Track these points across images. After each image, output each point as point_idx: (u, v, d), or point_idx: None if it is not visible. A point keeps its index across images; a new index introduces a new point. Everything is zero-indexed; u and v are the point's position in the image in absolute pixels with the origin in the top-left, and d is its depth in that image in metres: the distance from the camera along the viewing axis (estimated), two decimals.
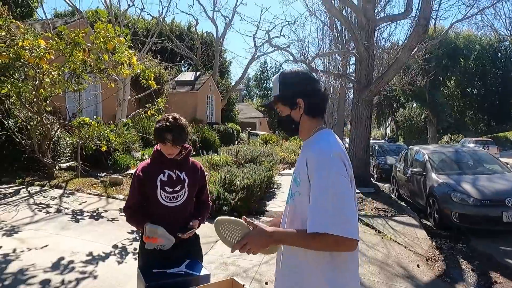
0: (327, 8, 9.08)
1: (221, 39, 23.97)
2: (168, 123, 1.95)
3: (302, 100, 1.38)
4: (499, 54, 35.35)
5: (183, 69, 29.77)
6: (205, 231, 5.27)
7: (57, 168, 7.14)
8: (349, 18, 10.17)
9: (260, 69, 46.29)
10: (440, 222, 6.02)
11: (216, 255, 4.22)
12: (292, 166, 14.58)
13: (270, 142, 17.93)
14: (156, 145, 2.16)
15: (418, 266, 4.33)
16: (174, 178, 2.06)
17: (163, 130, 1.94)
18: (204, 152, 9.23)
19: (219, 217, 1.36)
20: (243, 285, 1.73)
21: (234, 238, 1.34)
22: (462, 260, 4.75)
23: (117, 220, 4.95)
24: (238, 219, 1.36)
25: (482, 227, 5.57)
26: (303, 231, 1.25)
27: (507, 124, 33.17)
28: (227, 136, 18.51)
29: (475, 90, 36.43)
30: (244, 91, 56.36)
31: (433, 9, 10.08)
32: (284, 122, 1.45)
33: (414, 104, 42.81)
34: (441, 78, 35.27)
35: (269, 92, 46.82)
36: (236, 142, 19.29)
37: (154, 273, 1.89)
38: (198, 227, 2.13)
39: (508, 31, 40.57)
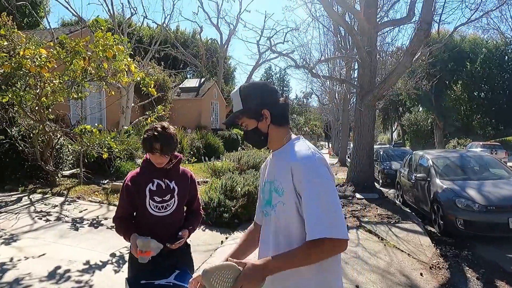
0: (329, 14, 9.08)
1: (226, 46, 24.15)
2: (156, 133, 1.93)
3: (267, 111, 1.38)
4: (506, 57, 34.96)
5: (188, 76, 29.97)
6: (205, 238, 5.26)
7: (59, 175, 7.18)
8: (351, 24, 10.14)
9: (265, 74, 46.40)
10: (445, 229, 5.90)
11: (216, 263, 4.16)
12: None
13: None
14: (146, 154, 2.14)
15: (421, 274, 4.24)
16: (163, 187, 2.03)
17: (151, 140, 1.92)
18: (207, 158, 9.22)
19: (206, 268, 1.21)
20: None
21: (227, 285, 1.20)
22: (467, 268, 4.64)
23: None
24: (226, 262, 1.23)
25: (488, 234, 5.44)
26: (298, 247, 1.23)
27: None
28: (231, 142, 18.52)
29: (482, 93, 36.00)
30: None
31: (436, 13, 10.02)
32: (252, 135, 1.43)
33: (420, 109, 42.49)
34: (447, 82, 34.99)
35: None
36: (240, 148, 19.30)
37: (141, 285, 1.85)
38: (188, 237, 2.09)
39: None
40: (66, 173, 7.55)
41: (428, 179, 6.82)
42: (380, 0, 10.62)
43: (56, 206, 5.70)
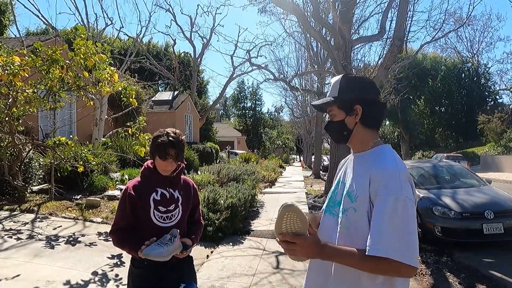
0: (306, 29, 9.33)
1: (199, 59, 24.11)
2: (171, 138, 1.86)
3: (360, 107, 1.31)
4: (463, 74, 37.47)
5: (160, 89, 29.53)
6: (191, 253, 5.08)
7: (28, 191, 6.74)
8: (326, 39, 10.48)
9: (238, 88, 46.63)
10: (424, 237, 6.08)
11: (203, 278, 4.03)
12: (273, 185, 14.54)
13: (253, 161, 17.84)
14: (147, 162, 2.05)
15: None
16: (168, 197, 1.94)
17: (167, 146, 1.84)
18: (185, 171, 9.03)
19: (294, 204, 1.23)
20: None
21: (287, 229, 1.21)
22: (448, 273, 4.78)
23: (96, 245, 4.67)
24: (306, 217, 1.24)
25: (464, 240, 5.66)
26: (360, 252, 1.17)
27: (474, 140, 34.83)
28: (206, 155, 18.32)
29: (443, 108, 38.20)
30: (222, 111, 56.50)
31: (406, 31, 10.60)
32: (336, 128, 1.37)
33: (387, 122, 44.32)
34: (411, 97, 36.82)
35: (247, 111, 47.13)
36: (217, 161, 19.10)
37: None
38: (193, 245, 2.00)
39: (470, 53, 43.36)
40: (35, 188, 7.09)
41: None
42: (352, 17, 11.08)
43: (27, 223, 5.32)
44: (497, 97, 38.77)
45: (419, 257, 5.38)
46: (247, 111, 46.21)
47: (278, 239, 1.24)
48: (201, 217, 2.27)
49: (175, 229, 1.86)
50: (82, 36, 4.70)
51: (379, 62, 9.37)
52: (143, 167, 2.03)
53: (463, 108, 36.52)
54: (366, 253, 1.14)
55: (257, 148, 40.98)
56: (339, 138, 1.39)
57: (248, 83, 51.45)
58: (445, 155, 23.77)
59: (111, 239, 1.95)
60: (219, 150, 23.32)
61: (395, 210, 1.14)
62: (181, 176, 2.09)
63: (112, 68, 4.79)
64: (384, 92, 19.45)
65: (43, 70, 4.84)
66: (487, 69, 39.17)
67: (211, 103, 28.23)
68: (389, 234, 1.13)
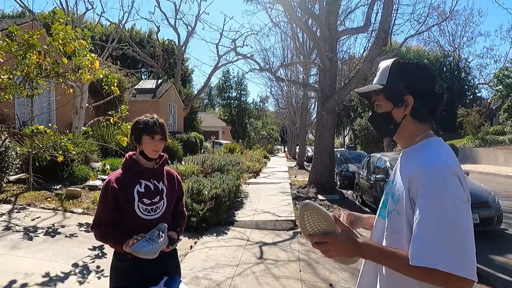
0: (292, 19, 9.27)
1: (184, 47, 23.64)
2: (152, 118, 1.89)
3: (412, 98, 1.15)
4: (445, 68, 38.26)
5: (143, 77, 28.93)
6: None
7: (5, 181, 6.52)
8: (312, 30, 10.44)
9: (223, 78, 46.19)
10: None
11: (187, 269, 4.02)
12: (257, 175, 14.58)
13: (236, 151, 17.81)
14: (129, 153, 1.99)
15: None
16: (152, 189, 1.90)
17: (153, 123, 1.87)
18: (169, 162, 8.93)
19: (310, 202, 1.17)
20: None
21: (314, 230, 1.15)
22: None
23: (76, 236, 4.57)
24: (327, 213, 1.15)
25: None
26: (404, 257, 1.02)
27: (454, 133, 35.79)
28: (191, 145, 18.14)
29: None
30: (206, 100, 55.95)
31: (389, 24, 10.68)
32: (380, 120, 1.22)
33: (371, 114, 44.92)
34: None
35: (232, 101, 46.79)
36: (201, 151, 18.97)
37: None
38: (179, 239, 1.98)
39: (452, 47, 44.22)
40: (12, 178, 6.87)
41: (387, 179, 7.17)
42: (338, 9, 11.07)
43: (3, 214, 5.15)
44: (476, 91, 39.87)
45: None
46: (232, 101, 45.91)
47: (311, 243, 1.16)
48: (185, 208, 2.25)
49: (163, 224, 1.83)
50: (61, 20, 4.50)
51: (364, 54, 9.42)
52: (124, 159, 1.98)
53: (444, 101, 37.38)
54: (409, 263, 1.00)
55: (242, 138, 40.90)
56: (385, 132, 1.27)
57: (233, 73, 51.05)
58: None
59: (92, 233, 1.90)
60: (204, 140, 23.16)
61: (437, 213, 0.99)
62: (165, 167, 2.06)
63: (93, 55, 4.62)
64: (367, 84, 19.71)
65: (19, 56, 4.62)
66: (467, 64, 40.13)
67: (196, 92, 27.87)
68: (435, 241, 0.97)
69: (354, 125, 47.98)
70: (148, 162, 1.92)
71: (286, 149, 47.56)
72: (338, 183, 13.19)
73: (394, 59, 1.23)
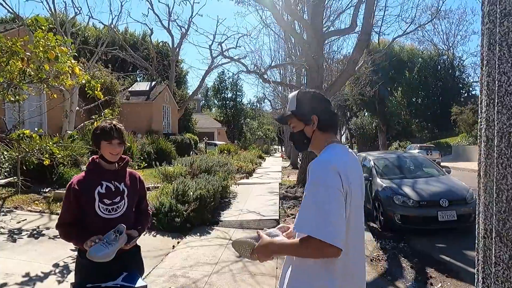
0: (278, 22, 9.41)
1: (177, 49, 23.75)
2: (109, 124, 2.03)
3: (316, 117, 1.48)
4: (439, 66, 38.48)
5: (138, 79, 29.01)
6: (156, 244, 5.19)
7: None
8: (300, 32, 10.59)
9: (218, 79, 46.28)
10: (385, 224, 6.38)
11: (166, 268, 4.15)
12: (250, 176, 14.70)
13: (225, 152, 17.91)
14: (92, 157, 2.13)
15: None
16: (113, 190, 2.03)
17: (109, 128, 2.00)
18: (158, 163, 9.04)
19: (233, 241, 1.59)
20: None
21: (248, 252, 1.53)
22: (403, 258, 5.07)
23: (59, 238, 4.68)
24: (244, 240, 1.54)
25: (421, 227, 6.00)
26: (295, 243, 1.34)
27: (448, 131, 36.02)
28: (184, 147, 18.26)
29: (419, 100, 39.21)
30: (203, 101, 56.00)
31: (377, 26, 10.83)
32: (297, 137, 1.55)
33: (366, 113, 45.15)
34: (388, 89, 37.60)
35: (227, 102, 46.94)
36: (192, 152, 19.08)
37: None
38: (138, 236, 2.11)
39: (446, 46, 44.46)
40: (1, 182, 6.98)
41: (370, 178, 7.32)
42: (327, 10, 11.22)
43: None
44: (470, 89, 40.10)
45: (378, 243, 5.67)
46: (227, 101, 46.00)
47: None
48: (149, 207, 2.38)
49: (121, 225, 1.95)
50: (43, 28, 4.63)
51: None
52: (88, 162, 2.11)
53: (439, 100, 37.63)
54: (292, 231, 1.33)
55: (238, 139, 41.00)
56: (301, 146, 1.57)
57: (228, 74, 51.11)
58: (418, 145, 24.52)
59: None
60: (198, 141, 23.27)
61: (314, 195, 1.29)
62: (127, 169, 2.19)
63: (73, 61, 4.74)
64: (360, 84, 19.85)
65: (2, 62, 4.75)
66: (461, 62, 40.39)
67: (190, 93, 27.98)
68: (307, 215, 1.29)
69: (350, 124, 48.24)
70: (109, 165, 2.05)
71: (283, 149, 47.70)
72: None
73: (297, 91, 1.59)
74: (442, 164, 20.53)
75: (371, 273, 4.41)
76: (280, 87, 26.93)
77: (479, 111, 0.89)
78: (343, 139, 61.54)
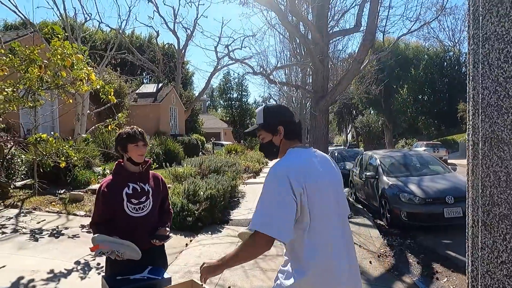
0: (283, 24, 9.54)
1: (183, 51, 23.99)
2: (131, 129, 2.22)
3: (282, 127, 1.64)
4: (445, 63, 38.28)
5: (144, 81, 29.34)
6: (170, 242, 5.35)
7: (12, 186, 6.88)
8: (305, 33, 10.73)
9: (224, 79, 46.55)
10: (392, 221, 6.51)
11: (181, 264, 4.33)
12: (257, 175, 14.86)
13: (233, 152, 18.09)
14: (118, 161, 2.31)
15: (370, 262, 4.70)
16: (139, 190, 2.22)
17: (134, 132, 2.19)
18: (168, 164, 9.26)
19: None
20: (202, 284, 1.92)
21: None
22: (409, 254, 5.20)
23: (79, 237, 4.91)
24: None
25: (427, 223, 6.11)
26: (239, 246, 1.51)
27: (455, 127, 35.82)
28: (192, 147, 18.48)
29: (426, 97, 39.04)
30: (208, 102, 56.30)
31: (381, 25, 10.91)
32: (267, 147, 1.70)
33: (372, 111, 45.04)
34: (394, 86, 37.49)
35: (233, 102, 47.21)
36: (201, 153, 19.29)
37: (117, 280, 2.02)
38: (169, 233, 2.32)
39: (452, 42, 44.15)
40: (19, 184, 7.23)
41: (377, 176, 7.45)
42: (331, 10, 11.32)
43: (11, 218, 5.51)
44: None
45: (385, 240, 5.80)
46: (233, 102, 46.25)
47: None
48: (170, 207, 2.56)
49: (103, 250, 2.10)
50: (59, 36, 4.84)
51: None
52: (115, 166, 2.30)
53: (445, 96, 37.45)
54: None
55: (244, 139, 41.22)
56: (271, 155, 1.71)
57: (234, 74, 51.33)
58: (425, 142, 24.47)
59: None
60: (205, 142, 23.49)
61: (264, 196, 1.46)
62: (150, 171, 2.38)
63: (89, 68, 4.95)
64: (365, 82, 19.91)
65: (21, 70, 4.97)
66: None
67: (197, 94, 28.23)
68: (257, 213, 1.45)
69: (356, 122, 48.17)
70: (134, 167, 2.24)
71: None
72: None
73: (263, 106, 1.75)
74: (449, 161, 20.50)
75: (379, 269, 4.54)
76: (285, 87, 27.06)
77: (467, 119, 1.03)
78: (349, 137, 61.42)
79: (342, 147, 45.62)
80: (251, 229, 1.45)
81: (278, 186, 1.44)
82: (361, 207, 8.24)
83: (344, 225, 1.63)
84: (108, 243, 2.04)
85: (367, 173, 7.82)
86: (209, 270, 1.61)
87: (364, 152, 9.68)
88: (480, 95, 0.94)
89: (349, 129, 58.04)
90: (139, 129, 2.25)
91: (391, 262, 4.85)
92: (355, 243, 5.42)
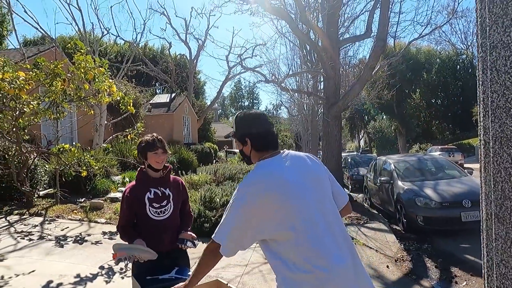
0: (294, 33, 9.71)
1: (195, 61, 24.42)
2: (151, 137, 2.34)
3: (249, 139, 1.65)
4: (458, 66, 37.80)
5: (157, 91, 29.90)
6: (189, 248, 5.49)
7: (35, 196, 7.14)
8: (315, 40, 10.85)
9: (235, 88, 47.05)
10: (408, 226, 6.49)
11: None
12: None
13: None
14: (140, 167, 2.45)
15: (387, 266, 4.72)
16: (160, 195, 2.34)
17: (153, 140, 2.31)
18: (183, 172, 9.43)
19: None
20: (227, 283, 2.02)
21: None
22: (427, 259, 5.19)
23: (101, 243, 5.07)
24: None
25: (444, 227, 6.08)
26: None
27: (470, 131, 35.18)
28: (205, 156, 18.68)
29: (439, 101, 38.55)
30: (220, 110, 56.82)
31: (392, 30, 10.96)
32: (241, 154, 1.78)
33: (384, 116, 44.66)
34: (406, 91, 37.17)
35: (244, 110, 47.64)
36: (214, 161, 19.47)
37: (148, 280, 2.15)
38: (194, 239, 2.42)
39: (464, 45, 43.64)
40: (42, 193, 7.50)
41: (391, 181, 7.44)
42: (341, 17, 11.45)
43: (37, 225, 5.73)
44: None
45: (402, 245, 5.79)
46: (245, 109, 46.61)
47: None
48: (190, 210, 2.67)
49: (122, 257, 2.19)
50: (82, 51, 5.09)
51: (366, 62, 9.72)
52: (137, 172, 2.44)
53: (459, 100, 36.90)
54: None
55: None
56: (246, 161, 1.76)
57: (245, 83, 51.79)
58: (439, 147, 24.15)
59: (117, 234, 2.38)
60: (218, 150, 23.70)
61: (228, 208, 1.51)
62: (170, 175, 2.50)
63: (110, 80, 5.18)
64: (376, 88, 19.86)
65: (46, 84, 5.23)
66: None
67: (208, 103, 28.60)
68: (219, 225, 1.53)
69: (368, 128, 47.80)
70: (155, 173, 2.37)
71: None
72: (350, 186, 13.42)
73: (236, 114, 1.77)
74: (465, 165, 20.15)
75: (396, 273, 4.55)
76: (296, 94, 27.16)
77: (478, 121, 1.12)
78: (362, 143, 60.89)
79: (355, 153, 45.28)
80: (213, 238, 1.53)
81: (241, 197, 1.48)
82: (376, 212, 8.22)
83: (334, 224, 1.50)
84: (123, 250, 2.15)
85: (382, 178, 7.82)
86: None
87: (378, 158, 9.68)
88: (489, 98, 1.03)
89: (362, 134, 57.58)
90: (159, 137, 2.36)
91: (409, 267, 4.85)
92: (371, 247, 5.46)
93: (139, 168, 2.44)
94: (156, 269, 2.26)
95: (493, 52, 1.01)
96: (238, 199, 1.48)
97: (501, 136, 0.99)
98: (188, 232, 2.40)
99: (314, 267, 1.36)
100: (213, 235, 1.52)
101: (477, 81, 1.13)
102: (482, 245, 1.13)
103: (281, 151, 1.65)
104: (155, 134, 2.38)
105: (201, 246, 5.31)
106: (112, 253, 2.16)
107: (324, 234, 1.43)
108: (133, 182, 2.40)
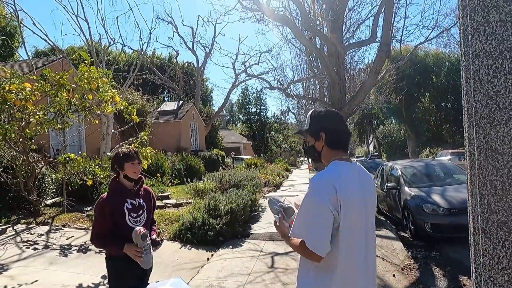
0: (298, 38, 9.72)
1: (202, 68, 24.65)
2: (127, 149, 2.47)
3: (324, 134, 1.66)
4: None
5: (165, 99, 30.20)
6: (192, 256, 5.48)
7: (42, 205, 7.22)
8: (320, 46, 10.85)
9: (242, 94, 47.20)
10: (415, 233, 6.36)
11: (203, 278, 4.41)
12: (277, 189, 14.87)
13: (253, 166, 18.20)
14: (113, 177, 2.50)
15: (394, 275, 4.62)
16: (136, 205, 2.45)
17: (130, 152, 2.44)
18: (189, 180, 9.45)
19: (269, 199, 1.92)
20: None
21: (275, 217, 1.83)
22: (435, 267, 5.07)
23: (104, 252, 5.09)
24: (273, 207, 1.84)
25: (453, 234, 5.93)
26: (297, 241, 1.57)
27: None
28: (212, 163, 18.73)
29: (449, 104, 38.03)
30: (228, 117, 57.06)
31: (397, 35, 10.89)
32: (310, 150, 1.75)
33: (393, 121, 44.23)
34: (415, 95, 36.80)
35: (252, 116, 47.79)
36: (221, 167, 19.50)
37: None
38: (161, 243, 2.64)
39: None
40: (49, 202, 7.59)
41: (398, 187, 7.32)
42: (346, 22, 11.43)
43: (42, 234, 5.78)
44: None
45: (409, 252, 5.67)
46: (252, 116, 46.68)
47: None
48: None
49: (146, 231, 2.33)
50: (86, 62, 5.17)
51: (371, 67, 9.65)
52: (110, 183, 2.52)
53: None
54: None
55: (264, 152, 41.33)
56: (313, 159, 1.77)
57: (252, 89, 51.98)
58: (450, 151, 23.77)
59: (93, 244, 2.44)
60: (225, 157, 23.74)
61: (304, 206, 1.53)
62: (142, 186, 2.58)
63: (113, 90, 5.24)
64: (384, 92, 19.72)
65: (51, 94, 5.32)
66: None
67: (216, 110, 28.75)
68: (302, 224, 1.53)
69: (377, 132, 47.40)
70: (130, 183, 2.46)
71: (309, 160, 47.37)
72: None
73: (312, 110, 1.79)
74: None
75: (402, 282, 4.45)
76: (303, 100, 27.13)
77: (464, 132, 1.09)
78: (371, 148, 60.36)
79: (363, 158, 44.88)
80: (298, 238, 1.53)
81: (321, 197, 1.48)
82: (383, 218, 8.09)
83: (368, 247, 1.63)
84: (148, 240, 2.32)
85: (388, 184, 7.71)
86: (280, 233, 1.73)
87: (385, 163, 9.55)
88: (473, 108, 1.00)
89: (371, 139, 57.11)
90: (134, 149, 2.51)
91: (416, 275, 4.74)
92: (377, 255, 5.36)
93: (112, 178, 2.52)
94: (133, 277, 2.41)
95: (475, 60, 0.98)
96: (318, 197, 1.49)
97: (485, 148, 0.95)
98: (153, 236, 2.52)
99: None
100: (310, 242, 1.48)
101: (462, 91, 1.10)
102: (470, 260, 1.09)
103: (354, 160, 1.70)
104: (130, 147, 2.58)
105: (201, 254, 5.31)
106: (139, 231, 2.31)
107: (360, 271, 1.56)
108: (106, 194, 2.46)
